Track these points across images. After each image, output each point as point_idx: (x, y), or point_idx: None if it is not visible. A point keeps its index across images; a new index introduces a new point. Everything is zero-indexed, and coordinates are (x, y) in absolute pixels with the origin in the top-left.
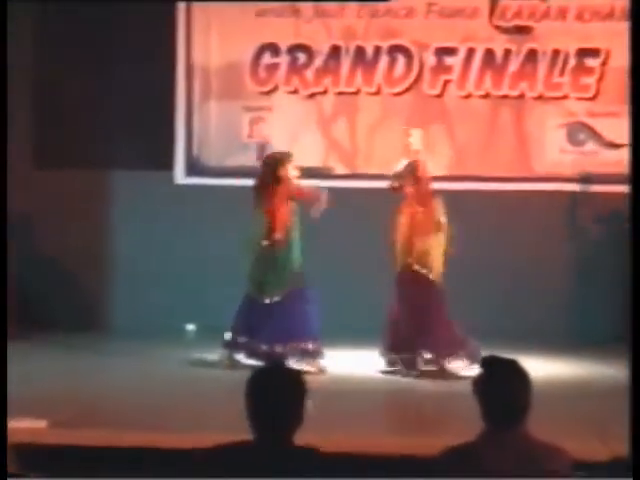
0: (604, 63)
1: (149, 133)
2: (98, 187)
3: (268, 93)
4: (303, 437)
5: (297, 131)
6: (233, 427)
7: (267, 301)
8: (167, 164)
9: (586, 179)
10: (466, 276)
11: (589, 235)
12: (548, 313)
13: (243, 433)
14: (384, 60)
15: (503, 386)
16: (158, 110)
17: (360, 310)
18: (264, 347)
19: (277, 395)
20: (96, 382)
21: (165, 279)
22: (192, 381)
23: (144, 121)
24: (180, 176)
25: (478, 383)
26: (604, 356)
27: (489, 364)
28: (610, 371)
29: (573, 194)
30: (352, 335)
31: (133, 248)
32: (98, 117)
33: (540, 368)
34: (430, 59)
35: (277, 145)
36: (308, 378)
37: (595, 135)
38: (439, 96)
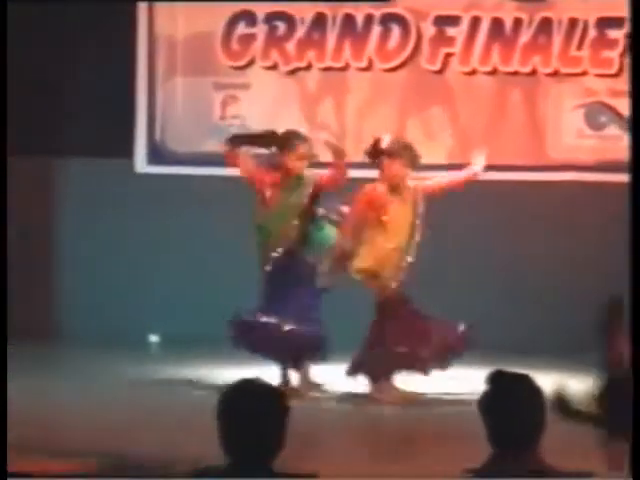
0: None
1: (105, 115)
2: (47, 176)
3: (243, 68)
4: (285, 462)
5: (276, 112)
6: (204, 452)
7: None
8: (126, 150)
9: (608, 167)
10: (469, 276)
11: (610, 231)
12: (564, 319)
13: (216, 459)
14: (376, 30)
15: (512, 404)
16: (116, 88)
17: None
18: None
19: (254, 415)
20: (43, 401)
21: (124, 282)
22: (156, 402)
23: (100, 101)
24: (141, 164)
25: (484, 401)
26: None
27: (496, 380)
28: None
29: (593, 184)
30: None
31: (87, 246)
32: (48, 97)
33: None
34: (429, 29)
35: (253, 128)
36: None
37: (618, 117)
38: (439, 72)
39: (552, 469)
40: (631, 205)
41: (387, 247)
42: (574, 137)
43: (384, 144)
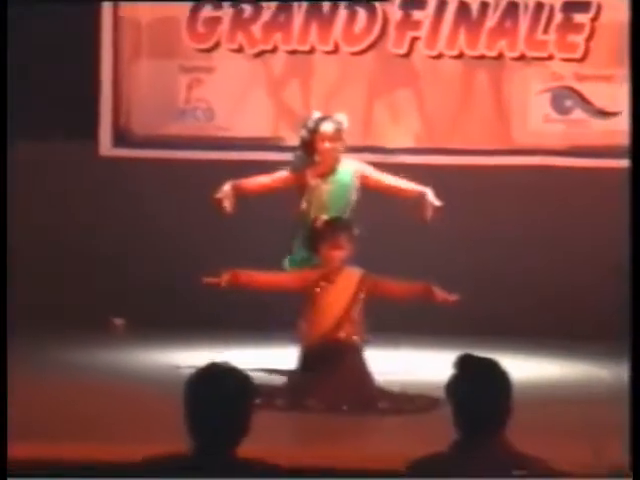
0: (595, 19)
1: (68, 96)
2: (8, 160)
3: (208, 51)
4: (250, 449)
5: (242, 96)
6: (169, 438)
7: None
8: (90, 133)
9: (574, 151)
10: (437, 261)
11: (577, 215)
12: (529, 304)
13: (180, 444)
14: (342, 14)
15: (479, 388)
16: (80, 70)
17: None
18: None
19: (219, 398)
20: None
21: (89, 267)
22: (122, 386)
23: (63, 82)
24: (106, 147)
25: (451, 385)
26: (595, 355)
27: (463, 363)
28: (603, 372)
29: (559, 169)
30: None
31: (49, 231)
32: (11, 80)
33: (521, 368)
34: (395, 13)
35: (218, 111)
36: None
37: (584, 101)
38: (406, 56)
39: (518, 453)
40: (631, 203)
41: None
42: (540, 121)
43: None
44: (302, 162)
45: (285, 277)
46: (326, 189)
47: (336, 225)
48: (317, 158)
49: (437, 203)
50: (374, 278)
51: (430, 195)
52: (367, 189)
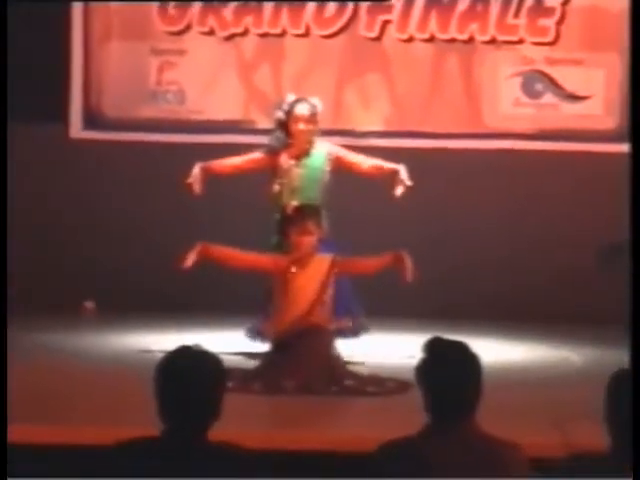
0: (565, 2)
1: (38, 78)
2: None
3: (179, 34)
4: (220, 432)
5: (213, 78)
6: (141, 421)
7: None
8: (60, 115)
9: (544, 135)
10: (409, 247)
11: (547, 199)
12: (500, 287)
13: (151, 427)
14: None
15: (448, 372)
16: (50, 51)
17: None
18: None
19: (190, 381)
20: None
21: (59, 250)
22: (93, 370)
23: (32, 64)
24: (76, 129)
25: (420, 369)
26: (567, 337)
27: (433, 347)
28: (574, 355)
29: (529, 153)
30: None
31: (17, 215)
32: None
33: (492, 350)
34: None
35: (190, 94)
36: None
37: (554, 85)
38: (377, 39)
39: (488, 437)
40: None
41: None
42: (511, 105)
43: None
44: (278, 143)
45: (256, 257)
46: (299, 172)
47: (305, 211)
48: (291, 140)
49: (408, 182)
50: (344, 259)
51: (403, 172)
52: (340, 171)
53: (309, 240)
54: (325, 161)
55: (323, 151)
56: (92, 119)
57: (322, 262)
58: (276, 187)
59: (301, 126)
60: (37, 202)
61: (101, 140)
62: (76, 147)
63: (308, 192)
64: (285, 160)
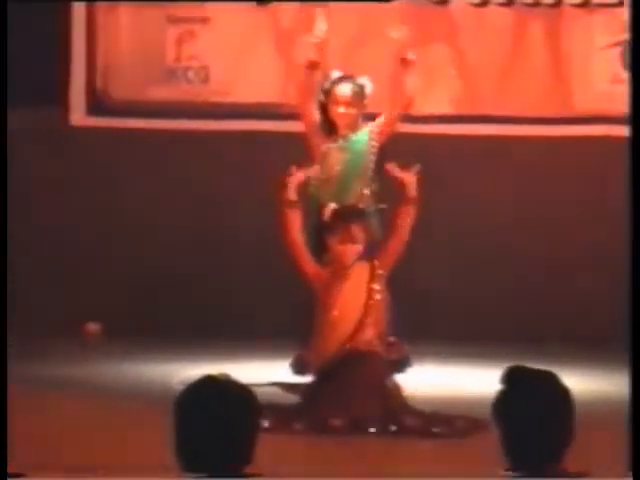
0: None
1: (33, 54)
2: None
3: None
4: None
5: (242, 53)
6: (156, 465)
7: None
8: (60, 99)
9: None
10: (476, 251)
11: None
12: (584, 304)
13: (169, 474)
14: None
15: (535, 407)
16: (47, 22)
17: None
18: None
19: (216, 419)
20: None
21: (58, 258)
22: (99, 404)
23: (26, 37)
24: (79, 115)
25: (499, 403)
26: None
27: (515, 377)
28: None
29: (628, 140)
30: None
31: (14, 213)
32: None
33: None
34: None
35: (214, 72)
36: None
37: None
38: (442, 3)
39: None
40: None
41: None
42: (607, 83)
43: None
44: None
45: (310, 262)
46: (339, 158)
47: (348, 215)
48: (331, 126)
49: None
50: (382, 254)
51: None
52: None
53: (353, 249)
54: (369, 143)
55: (365, 134)
56: (97, 103)
57: (362, 270)
58: (311, 177)
59: (341, 109)
60: (33, 201)
61: (108, 128)
62: (78, 136)
63: (348, 185)
64: (324, 144)
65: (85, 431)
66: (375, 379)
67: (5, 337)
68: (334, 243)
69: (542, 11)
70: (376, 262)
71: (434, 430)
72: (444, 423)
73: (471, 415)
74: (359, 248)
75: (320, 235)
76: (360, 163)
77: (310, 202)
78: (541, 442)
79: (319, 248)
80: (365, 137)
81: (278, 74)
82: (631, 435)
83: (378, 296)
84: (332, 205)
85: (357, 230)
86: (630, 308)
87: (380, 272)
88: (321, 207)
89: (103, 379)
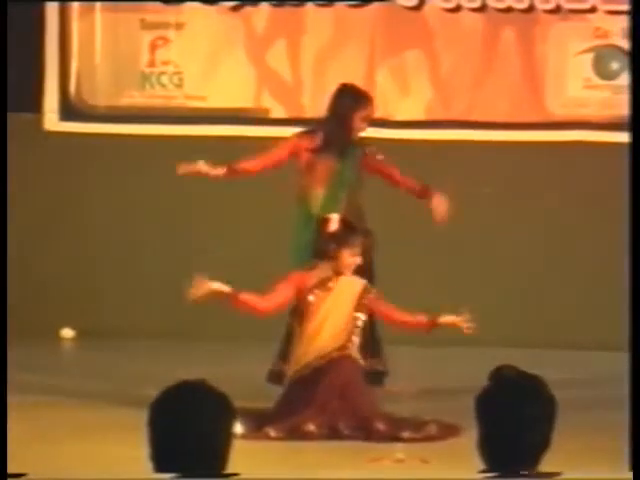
0: None
1: (8, 61)
2: None
3: (176, 2)
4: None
5: (216, 58)
6: (130, 470)
7: None
8: (34, 104)
9: (619, 124)
10: (451, 257)
11: (617, 200)
12: (566, 310)
13: (144, 474)
14: None
15: (518, 408)
16: (19, 25)
17: None
18: None
19: (190, 425)
20: None
21: (30, 264)
22: (73, 409)
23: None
24: (52, 120)
25: (482, 399)
26: None
27: (502, 376)
28: None
29: (602, 145)
30: None
31: None
32: None
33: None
34: None
35: (188, 77)
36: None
37: None
38: (416, 9)
39: None
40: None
41: None
42: (580, 88)
43: None
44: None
45: (278, 295)
46: (329, 169)
47: (354, 227)
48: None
49: (444, 212)
50: (376, 297)
51: (439, 201)
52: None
53: (355, 262)
54: (358, 160)
55: (358, 148)
56: (71, 108)
57: (352, 286)
58: (305, 185)
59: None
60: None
61: (82, 133)
62: (52, 141)
63: (339, 195)
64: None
65: (59, 437)
66: (347, 384)
67: (5, 342)
68: (343, 253)
69: (515, 17)
70: (368, 290)
71: (404, 435)
72: (415, 428)
73: (442, 420)
74: (360, 260)
75: (318, 245)
76: (350, 174)
77: (299, 212)
78: (519, 443)
79: (308, 256)
80: (356, 150)
81: (252, 79)
82: (631, 435)
83: (360, 323)
84: (335, 216)
85: (359, 245)
86: (630, 308)
87: (365, 302)
88: (320, 217)
89: (74, 384)
